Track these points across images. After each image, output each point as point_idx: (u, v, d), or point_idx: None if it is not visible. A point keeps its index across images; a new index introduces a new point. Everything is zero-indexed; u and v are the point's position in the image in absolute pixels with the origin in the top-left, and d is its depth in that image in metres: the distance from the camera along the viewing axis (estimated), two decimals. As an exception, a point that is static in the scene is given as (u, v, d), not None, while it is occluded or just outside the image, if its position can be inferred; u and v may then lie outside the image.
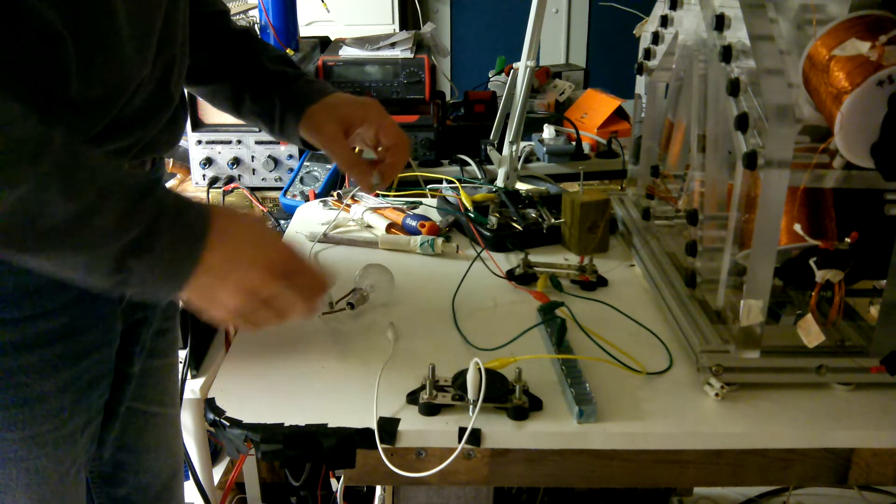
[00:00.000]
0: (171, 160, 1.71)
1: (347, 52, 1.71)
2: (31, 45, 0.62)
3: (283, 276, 0.69)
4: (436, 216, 1.24)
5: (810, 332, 0.78)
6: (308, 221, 1.27)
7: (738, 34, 0.79)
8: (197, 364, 1.44)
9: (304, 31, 1.80)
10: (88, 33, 0.66)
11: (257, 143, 1.61)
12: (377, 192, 1.34)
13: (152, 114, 0.78)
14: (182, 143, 1.66)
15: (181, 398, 1.38)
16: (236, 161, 1.62)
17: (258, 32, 1.71)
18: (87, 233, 0.60)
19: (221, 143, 1.61)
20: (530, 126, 1.63)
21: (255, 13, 1.76)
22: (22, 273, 0.69)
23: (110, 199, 0.60)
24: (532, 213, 1.22)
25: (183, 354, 1.37)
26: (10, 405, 0.73)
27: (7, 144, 0.56)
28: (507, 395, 0.76)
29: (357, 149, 1.00)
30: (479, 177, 1.54)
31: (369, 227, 1.24)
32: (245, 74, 0.96)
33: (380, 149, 0.96)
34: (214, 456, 1.69)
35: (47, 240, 0.59)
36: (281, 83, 0.95)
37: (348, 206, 1.28)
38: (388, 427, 0.74)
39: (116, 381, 0.86)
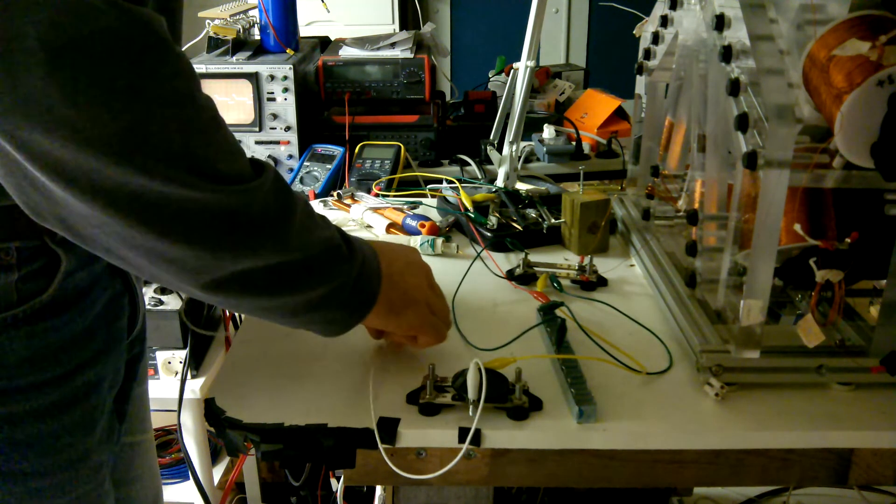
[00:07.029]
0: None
1: (347, 52, 1.71)
2: None
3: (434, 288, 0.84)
4: (436, 216, 1.23)
5: (810, 332, 0.77)
6: (308, 221, 1.26)
7: (738, 34, 0.79)
8: (197, 364, 1.44)
9: (304, 31, 1.80)
10: None
11: (257, 143, 1.61)
12: (377, 192, 1.35)
13: None
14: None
15: (181, 398, 1.39)
16: (236, 161, 1.62)
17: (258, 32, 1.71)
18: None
19: (221, 143, 1.61)
20: (530, 126, 1.63)
21: (255, 13, 1.76)
22: (63, 327, 0.67)
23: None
24: (532, 213, 1.22)
25: (183, 354, 1.38)
26: (58, 470, 0.69)
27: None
28: (507, 395, 0.76)
29: None
30: (479, 177, 1.54)
31: (369, 227, 1.24)
32: None
33: None
34: (214, 456, 1.69)
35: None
36: None
37: (348, 205, 1.28)
38: (388, 427, 0.74)
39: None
